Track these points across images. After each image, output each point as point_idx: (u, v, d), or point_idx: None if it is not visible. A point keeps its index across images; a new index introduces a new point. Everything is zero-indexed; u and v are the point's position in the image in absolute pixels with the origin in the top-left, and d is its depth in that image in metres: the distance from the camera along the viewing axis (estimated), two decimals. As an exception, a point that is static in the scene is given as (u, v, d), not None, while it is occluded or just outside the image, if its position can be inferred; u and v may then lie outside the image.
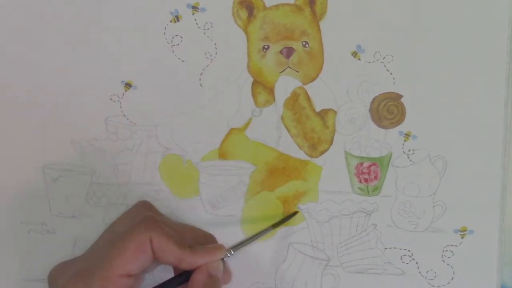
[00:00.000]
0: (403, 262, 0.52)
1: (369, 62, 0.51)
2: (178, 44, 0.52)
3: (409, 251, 0.52)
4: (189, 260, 0.46)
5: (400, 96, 0.51)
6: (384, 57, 0.51)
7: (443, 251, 0.51)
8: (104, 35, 0.52)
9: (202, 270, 0.46)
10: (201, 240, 0.49)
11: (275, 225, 0.51)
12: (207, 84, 0.52)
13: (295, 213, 0.52)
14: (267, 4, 0.51)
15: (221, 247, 0.48)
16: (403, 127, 0.51)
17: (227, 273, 0.50)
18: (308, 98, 0.52)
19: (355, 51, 0.51)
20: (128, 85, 0.52)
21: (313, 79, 0.52)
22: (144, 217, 0.46)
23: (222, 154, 0.52)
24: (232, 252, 0.49)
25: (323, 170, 0.52)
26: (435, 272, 0.52)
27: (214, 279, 0.47)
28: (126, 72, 0.52)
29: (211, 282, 0.46)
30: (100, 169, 0.52)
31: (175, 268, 0.49)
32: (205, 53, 0.52)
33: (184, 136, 0.52)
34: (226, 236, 0.52)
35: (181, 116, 0.52)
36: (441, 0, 0.50)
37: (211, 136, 0.52)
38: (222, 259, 0.48)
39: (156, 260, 0.45)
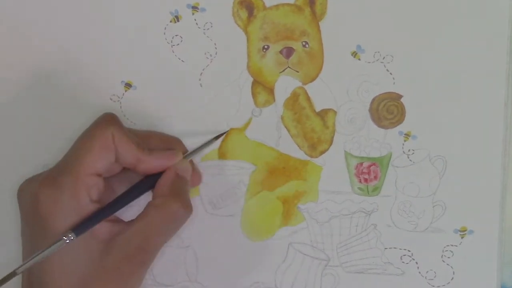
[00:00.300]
0: (403, 262, 0.52)
1: (369, 62, 0.51)
2: (178, 44, 0.52)
3: (409, 251, 0.52)
4: (146, 162, 0.46)
5: (400, 96, 0.51)
6: (384, 57, 0.51)
7: (443, 251, 0.52)
8: (104, 35, 0.52)
9: (170, 170, 0.47)
10: (167, 146, 0.49)
11: (218, 136, 0.51)
12: (207, 84, 0.52)
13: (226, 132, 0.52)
14: (267, 4, 0.51)
15: (178, 152, 0.48)
16: (403, 127, 0.51)
17: (196, 174, 0.50)
18: (308, 98, 0.52)
19: (355, 51, 0.51)
20: (128, 85, 0.52)
21: (313, 79, 0.52)
22: (104, 114, 0.46)
23: (222, 154, 0.52)
24: (190, 156, 0.49)
25: (323, 170, 0.52)
26: (435, 272, 0.52)
27: (182, 179, 0.47)
28: (126, 72, 0.52)
29: (179, 182, 0.47)
30: (100, 169, 0.52)
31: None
32: (205, 53, 0.52)
33: (184, 136, 0.52)
34: (226, 236, 0.52)
35: (181, 116, 0.52)
36: (441, 0, 0.50)
37: (211, 136, 0.52)
38: (191, 160, 0.48)
39: (116, 160, 0.45)
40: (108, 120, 0.46)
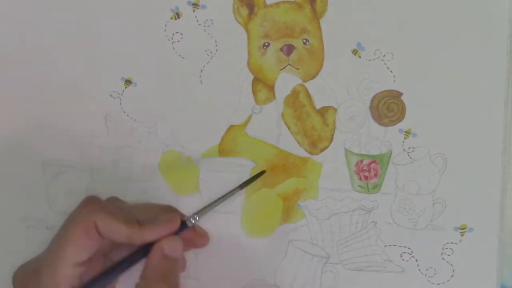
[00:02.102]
0: (402, 259, 0.52)
1: (370, 60, 0.51)
2: (178, 41, 0.52)
3: (409, 248, 0.52)
4: (138, 236, 0.44)
5: (400, 94, 0.51)
6: (384, 55, 0.51)
7: (443, 248, 0.51)
8: (104, 32, 0.52)
9: (156, 252, 0.45)
10: (160, 213, 0.47)
11: (242, 186, 0.50)
12: (207, 81, 0.52)
13: (263, 172, 0.51)
14: (268, 2, 0.51)
15: (175, 217, 0.46)
16: (403, 124, 0.51)
17: (201, 236, 0.48)
18: (308, 96, 0.52)
19: (355, 49, 0.51)
20: (128, 82, 0.52)
21: (313, 77, 0.52)
22: (85, 200, 0.45)
23: (222, 151, 0.52)
24: (197, 218, 0.47)
25: (323, 168, 0.52)
26: (434, 269, 0.52)
27: (170, 261, 0.45)
28: (126, 69, 0.52)
29: (165, 263, 0.45)
30: (100, 165, 0.52)
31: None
32: (206, 50, 0.52)
33: (184, 133, 0.52)
34: (226, 233, 0.52)
35: (181, 113, 0.52)
36: (441, -2, 0.51)
37: (211, 133, 0.52)
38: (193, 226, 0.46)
39: (107, 240, 0.44)
40: (90, 207, 0.44)
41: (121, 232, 0.44)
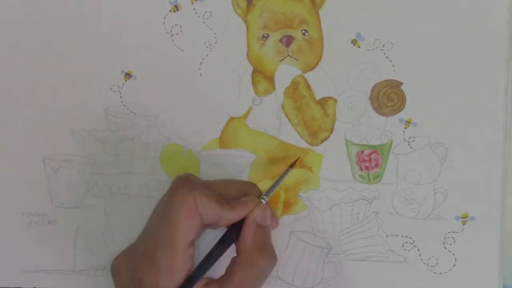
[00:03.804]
0: (404, 249, 0.52)
1: (369, 50, 0.51)
2: (177, 34, 0.52)
3: (410, 238, 0.52)
4: (228, 216, 0.45)
5: (400, 84, 0.51)
6: (384, 45, 0.51)
7: (444, 238, 0.51)
8: (103, 25, 0.52)
9: (251, 224, 0.46)
10: (242, 192, 0.48)
11: (292, 165, 0.50)
12: (207, 73, 0.52)
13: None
14: (266, -7, 0.51)
15: (254, 199, 0.47)
16: (404, 114, 0.51)
17: (273, 218, 0.49)
18: (308, 87, 0.52)
19: (354, 39, 0.51)
20: (128, 75, 0.52)
21: (313, 68, 0.52)
22: (179, 180, 0.46)
23: (223, 143, 0.52)
24: (266, 198, 0.48)
25: (324, 158, 0.52)
26: (437, 259, 0.52)
27: (263, 229, 0.47)
28: (126, 62, 0.52)
29: (259, 232, 0.46)
30: (101, 159, 0.52)
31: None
32: (205, 43, 0.52)
33: (184, 126, 0.52)
34: (227, 225, 0.52)
35: (181, 105, 0.52)
36: (440, -13, 0.50)
37: (211, 126, 0.52)
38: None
39: (200, 222, 0.45)
40: (187, 186, 0.45)
41: (214, 212, 0.45)
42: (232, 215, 0.46)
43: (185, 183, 0.45)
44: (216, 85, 0.52)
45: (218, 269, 0.46)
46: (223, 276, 0.46)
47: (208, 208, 0.45)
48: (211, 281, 0.46)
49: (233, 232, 0.47)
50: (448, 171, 0.51)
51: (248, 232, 0.46)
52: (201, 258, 0.46)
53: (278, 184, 0.49)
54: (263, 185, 0.52)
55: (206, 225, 0.46)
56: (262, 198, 0.48)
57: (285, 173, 0.50)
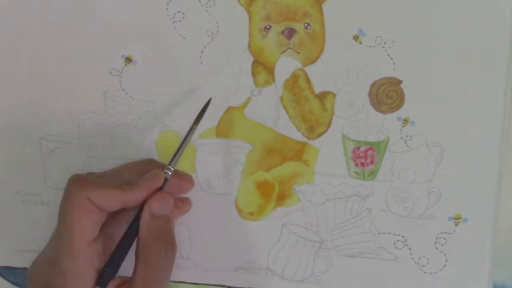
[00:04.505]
0: (396, 247, 0.52)
1: (370, 47, 0.51)
2: (180, 21, 0.52)
3: (402, 236, 0.52)
4: (132, 198, 0.45)
5: (400, 82, 0.51)
6: (385, 42, 0.51)
7: (436, 238, 0.51)
8: (106, 9, 0.52)
9: (146, 213, 0.45)
10: (143, 170, 0.47)
11: (197, 121, 0.49)
12: (207, 62, 0.52)
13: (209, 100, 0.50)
14: (271, -15, 0.51)
15: (156, 172, 0.46)
16: (402, 112, 0.51)
17: (185, 180, 0.48)
18: (308, 80, 0.52)
19: (356, 35, 0.51)
20: (128, 60, 0.52)
21: (313, 61, 0.51)
22: (70, 180, 0.45)
23: (220, 132, 0.52)
24: (172, 168, 0.47)
25: (320, 153, 0.52)
26: (427, 258, 0.52)
27: (159, 218, 0.45)
28: (126, 47, 0.52)
29: (156, 222, 0.45)
30: (97, 142, 0.52)
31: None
32: (207, 31, 0.51)
33: (182, 113, 0.52)
34: (220, 215, 0.52)
35: (180, 92, 0.52)
36: (444, -13, 0.50)
37: (209, 114, 0.52)
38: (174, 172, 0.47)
39: (104, 211, 0.44)
40: (77, 185, 0.44)
41: (114, 198, 0.44)
42: (134, 195, 0.45)
43: (76, 182, 0.44)
44: (216, 74, 0.52)
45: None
46: (131, 277, 0.45)
47: (106, 197, 0.44)
48: (123, 281, 0.46)
49: (135, 224, 0.46)
50: (443, 172, 0.51)
51: (144, 222, 0.45)
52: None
53: (181, 151, 0.48)
54: (258, 176, 0.52)
55: (115, 214, 0.46)
56: (167, 169, 0.47)
57: (189, 132, 0.48)
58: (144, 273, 0.44)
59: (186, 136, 0.48)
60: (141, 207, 0.46)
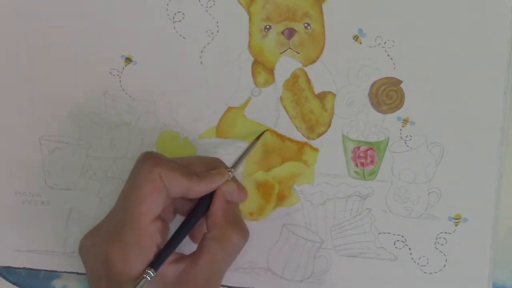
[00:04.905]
0: (396, 247, 0.52)
1: (370, 47, 0.51)
2: (180, 21, 0.52)
3: (402, 236, 0.52)
4: (196, 188, 0.46)
5: (400, 82, 0.51)
6: (385, 42, 0.51)
7: (436, 238, 0.51)
8: (106, 9, 0.52)
9: (219, 198, 0.47)
10: (209, 167, 0.48)
11: (259, 137, 0.51)
12: (207, 62, 0.52)
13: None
14: (271, -15, 0.51)
15: (223, 171, 0.48)
16: (402, 112, 0.51)
17: (241, 190, 0.49)
18: (308, 80, 0.52)
19: (356, 35, 0.51)
20: (128, 60, 0.52)
21: (313, 61, 0.52)
22: (144, 157, 0.46)
23: (220, 132, 0.52)
24: (233, 170, 0.49)
25: (320, 153, 0.52)
26: (427, 258, 0.52)
27: (232, 204, 0.47)
28: (126, 47, 0.52)
29: (228, 208, 0.47)
30: (97, 142, 0.52)
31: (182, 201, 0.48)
32: (207, 31, 0.52)
33: (182, 113, 0.52)
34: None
35: (180, 93, 0.52)
36: (444, -13, 0.50)
37: (209, 114, 0.52)
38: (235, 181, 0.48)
39: (167, 196, 0.45)
40: (152, 161, 0.45)
41: (181, 184, 0.45)
42: (200, 187, 0.46)
43: (150, 159, 0.45)
44: (216, 74, 0.52)
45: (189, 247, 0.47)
46: (194, 251, 0.46)
47: (175, 180, 0.45)
48: (182, 256, 0.46)
49: (202, 207, 0.47)
50: (443, 172, 0.51)
51: (217, 207, 0.47)
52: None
53: (244, 157, 0.50)
54: (258, 177, 0.52)
55: (175, 200, 0.46)
56: (229, 171, 0.48)
57: (251, 145, 0.50)
58: (217, 254, 0.45)
59: (251, 145, 0.51)
60: (199, 199, 0.47)
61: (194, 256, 0.46)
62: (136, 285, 0.43)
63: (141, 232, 0.44)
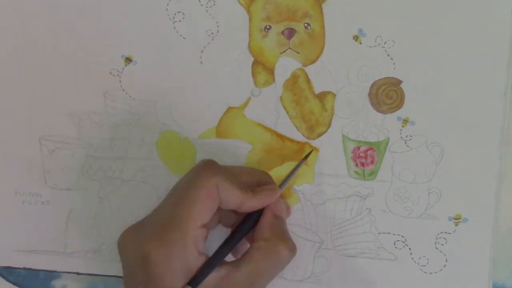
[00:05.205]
0: (396, 247, 0.52)
1: (370, 47, 0.51)
2: (180, 21, 0.52)
3: (402, 236, 0.52)
4: (250, 204, 0.46)
5: (400, 82, 0.51)
6: (385, 42, 0.51)
7: (436, 238, 0.51)
8: (106, 9, 0.52)
9: (269, 213, 0.47)
10: (257, 180, 0.48)
11: (306, 156, 0.51)
12: (207, 62, 0.52)
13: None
14: (271, -15, 0.51)
15: (276, 187, 0.48)
16: (402, 112, 0.51)
17: (288, 207, 0.50)
18: (308, 80, 0.52)
19: (356, 35, 0.51)
20: (128, 60, 0.52)
21: (313, 61, 0.52)
22: (204, 164, 0.45)
23: (220, 132, 0.52)
24: (282, 188, 0.49)
25: (320, 153, 0.52)
26: (427, 258, 0.52)
27: (279, 219, 0.48)
28: (126, 47, 0.52)
29: (277, 223, 0.47)
30: (97, 142, 0.52)
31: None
32: (207, 31, 0.52)
33: (182, 113, 0.52)
34: (220, 214, 0.52)
35: (180, 93, 0.52)
36: (444, -13, 0.50)
37: (209, 114, 0.52)
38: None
39: (220, 206, 0.45)
40: (211, 170, 0.45)
41: (235, 198, 0.45)
42: (254, 202, 0.46)
43: (210, 167, 0.45)
44: (216, 74, 0.52)
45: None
46: (239, 259, 0.45)
47: (231, 193, 0.45)
48: (224, 262, 0.45)
49: (250, 221, 0.47)
50: (443, 172, 0.51)
51: (266, 221, 0.47)
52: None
53: (293, 176, 0.50)
54: (258, 176, 0.52)
55: (223, 211, 0.46)
56: (280, 186, 0.49)
57: (299, 165, 0.50)
58: (264, 264, 0.45)
59: (299, 164, 0.50)
60: (248, 214, 0.47)
61: (238, 263, 0.45)
62: None
63: (187, 235, 0.43)
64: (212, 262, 0.44)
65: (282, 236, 0.46)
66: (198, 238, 0.43)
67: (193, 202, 0.44)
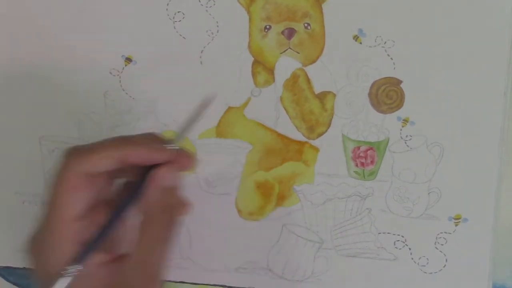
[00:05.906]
0: (396, 247, 0.52)
1: (370, 47, 0.51)
2: (180, 21, 0.52)
3: (402, 236, 0.52)
4: (133, 151, 0.41)
5: (400, 82, 0.51)
6: (385, 42, 0.51)
7: (436, 238, 0.51)
8: (105, 9, 0.52)
9: (151, 183, 0.42)
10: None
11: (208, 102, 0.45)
12: (207, 62, 0.52)
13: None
14: (271, -15, 0.51)
15: (161, 147, 0.43)
16: (402, 112, 0.51)
17: (187, 157, 0.44)
18: (308, 80, 0.52)
19: (356, 35, 0.51)
20: (128, 60, 0.52)
21: (313, 61, 0.51)
22: (63, 154, 0.42)
23: (220, 132, 0.52)
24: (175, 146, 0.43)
25: (320, 153, 0.52)
26: (427, 258, 0.52)
27: (168, 190, 0.42)
28: (126, 47, 0.52)
29: (165, 195, 0.42)
30: (97, 142, 0.52)
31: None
32: (207, 31, 0.51)
33: (182, 113, 0.52)
34: (220, 215, 0.52)
35: (180, 93, 0.52)
36: (444, -13, 0.50)
37: (209, 114, 0.51)
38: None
39: (100, 175, 0.42)
40: (66, 157, 0.41)
41: (112, 151, 0.41)
42: (136, 150, 0.42)
43: (65, 156, 0.41)
44: (216, 74, 0.52)
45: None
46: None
47: (102, 151, 0.41)
48: (117, 257, 0.42)
49: (131, 196, 0.42)
50: (443, 172, 0.51)
51: (148, 192, 0.42)
52: None
53: (189, 128, 0.45)
54: (258, 177, 0.52)
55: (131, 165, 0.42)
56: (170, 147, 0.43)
57: (201, 109, 0.45)
58: (144, 246, 0.41)
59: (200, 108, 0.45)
60: (126, 186, 0.43)
61: (130, 255, 0.42)
62: (53, 285, 0.40)
63: (60, 232, 0.41)
64: (90, 244, 0.41)
65: (163, 211, 0.42)
66: (75, 232, 0.41)
67: (55, 200, 0.41)
